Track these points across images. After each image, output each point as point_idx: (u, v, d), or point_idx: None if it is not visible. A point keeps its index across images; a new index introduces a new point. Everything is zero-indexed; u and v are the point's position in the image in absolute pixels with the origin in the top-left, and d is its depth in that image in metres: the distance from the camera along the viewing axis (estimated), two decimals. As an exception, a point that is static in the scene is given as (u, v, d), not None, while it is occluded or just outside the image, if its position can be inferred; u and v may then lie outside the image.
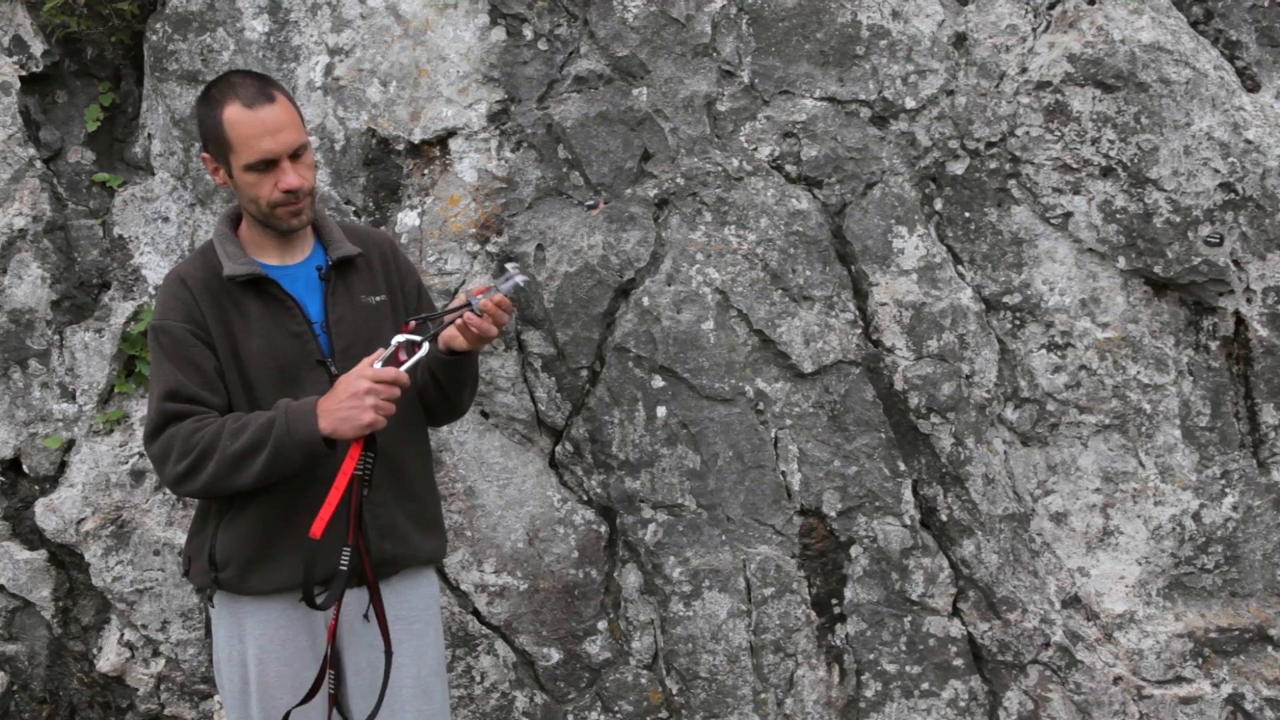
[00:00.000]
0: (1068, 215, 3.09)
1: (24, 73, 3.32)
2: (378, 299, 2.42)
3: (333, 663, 2.37)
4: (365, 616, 2.33)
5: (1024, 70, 3.11)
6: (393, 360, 2.20)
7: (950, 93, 3.12)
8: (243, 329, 2.32)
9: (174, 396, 2.25)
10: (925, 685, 3.09)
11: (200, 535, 2.38)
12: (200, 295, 2.31)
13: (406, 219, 3.16)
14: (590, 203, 3.15)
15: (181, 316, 2.30)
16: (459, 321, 2.24)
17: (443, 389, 2.45)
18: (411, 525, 2.39)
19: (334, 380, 2.27)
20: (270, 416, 2.20)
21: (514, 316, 3.15)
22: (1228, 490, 3.08)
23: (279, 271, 2.37)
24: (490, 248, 3.15)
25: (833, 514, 3.10)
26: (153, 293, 3.27)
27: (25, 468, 3.29)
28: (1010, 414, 3.13)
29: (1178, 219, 3.04)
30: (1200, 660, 3.06)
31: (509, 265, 2.29)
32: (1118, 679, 3.05)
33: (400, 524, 2.37)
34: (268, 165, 2.25)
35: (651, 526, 3.13)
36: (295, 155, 2.28)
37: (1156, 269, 3.06)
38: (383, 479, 2.33)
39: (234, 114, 2.25)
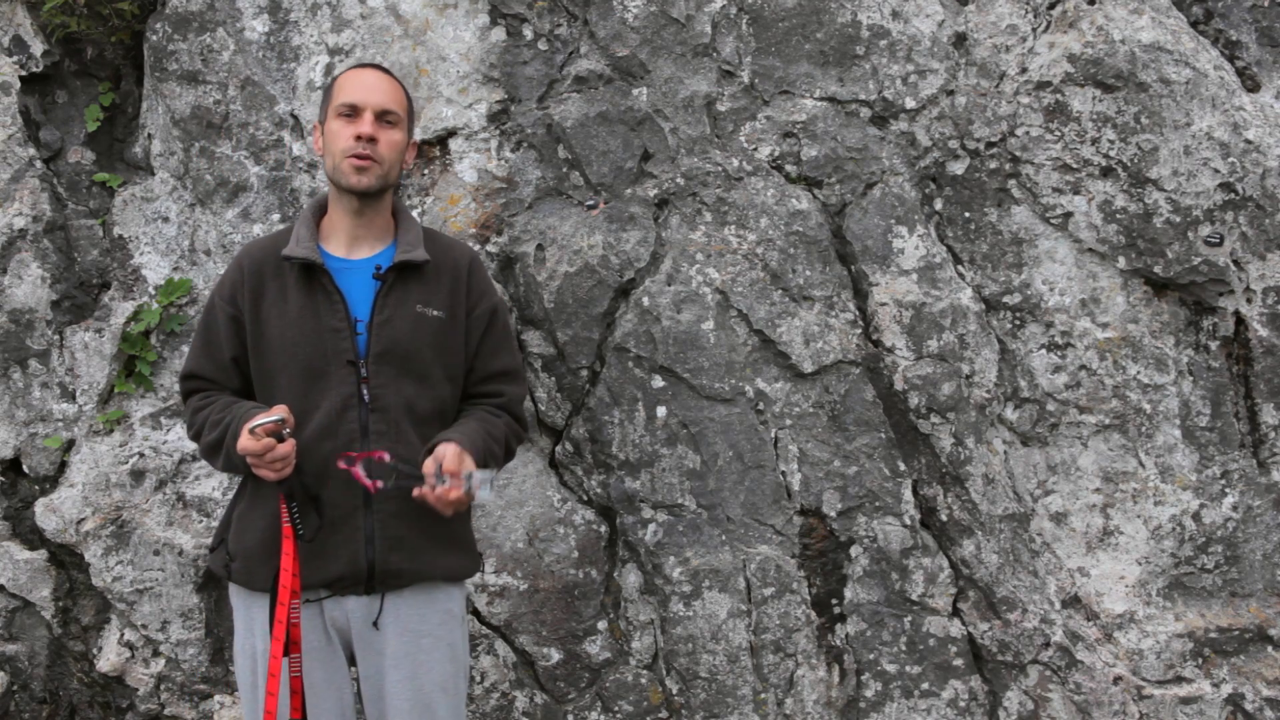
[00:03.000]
0: (1068, 215, 3.09)
1: (24, 73, 3.32)
2: (435, 313, 2.36)
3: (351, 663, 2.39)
4: (375, 624, 2.32)
5: (1024, 70, 3.11)
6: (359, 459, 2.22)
7: (950, 93, 3.12)
8: (279, 316, 2.32)
9: (191, 377, 2.45)
10: (925, 685, 3.09)
11: (225, 524, 2.42)
12: (250, 277, 2.36)
13: (406, 219, 3.16)
14: (590, 203, 3.15)
15: (227, 297, 2.39)
16: (421, 490, 2.19)
17: None
18: (427, 540, 2.33)
19: (361, 383, 2.28)
20: (229, 421, 2.27)
21: (514, 316, 3.15)
22: (1228, 490, 3.08)
23: (339, 263, 2.35)
24: (490, 248, 3.15)
25: (833, 514, 3.10)
26: (153, 293, 3.28)
27: (25, 468, 3.29)
28: (1010, 414, 3.13)
29: (1178, 219, 3.04)
30: (1200, 660, 3.05)
31: (488, 480, 2.21)
32: (1118, 679, 3.05)
33: (412, 538, 2.32)
34: (352, 111, 2.32)
35: (651, 526, 3.13)
36: (382, 117, 2.34)
37: (1156, 269, 3.06)
38: (399, 490, 2.28)
39: (351, 71, 2.42)
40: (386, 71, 2.43)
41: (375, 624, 2.32)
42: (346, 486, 2.26)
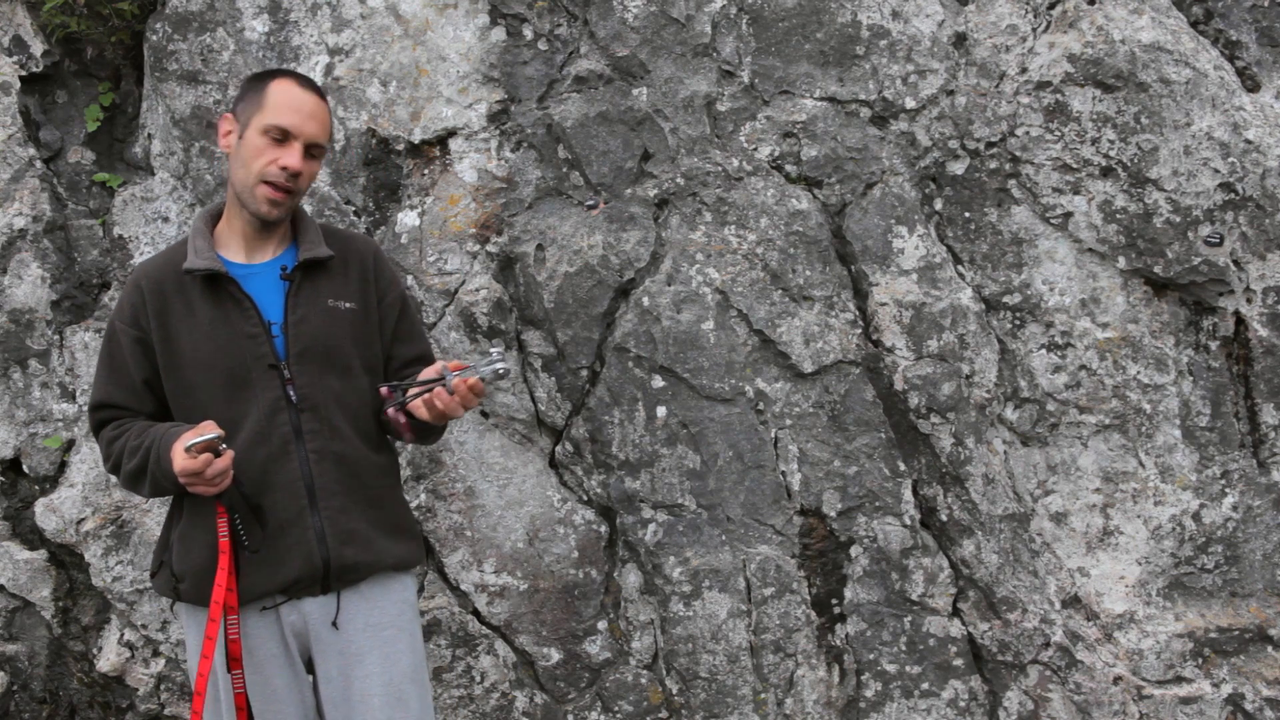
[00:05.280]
0: (1068, 215, 3.09)
1: (24, 73, 3.32)
2: (347, 305, 2.36)
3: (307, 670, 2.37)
4: (334, 624, 2.31)
5: (1024, 70, 3.11)
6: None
7: (950, 93, 3.12)
8: (190, 330, 2.29)
9: (101, 406, 2.37)
10: (925, 685, 3.09)
11: (164, 545, 2.38)
12: (151, 297, 2.31)
13: (406, 219, 3.16)
14: (590, 203, 3.15)
15: (128, 320, 2.33)
16: (428, 396, 2.20)
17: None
18: (376, 531, 2.34)
19: (286, 384, 2.28)
20: (149, 444, 2.23)
21: (514, 316, 3.15)
22: (1228, 490, 3.08)
23: (242, 270, 2.33)
24: (490, 248, 3.15)
25: (833, 514, 3.10)
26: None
27: (25, 468, 3.29)
28: (1010, 414, 3.13)
29: (1178, 219, 3.04)
30: (1200, 660, 3.06)
31: (493, 349, 2.23)
32: (1118, 679, 3.05)
33: (362, 530, 2.32)
34: (283, 136, 2.28)
35: (651, 526, 3.13)
36: (309, 151, 2.31)
37: (1156, 269, 3.06)
38: (341, 485, 2.30)
39: (285, 84, 2.32)
40: (319, 92, 2.37)
41: (334, 624, 2.31)
42: (288, 489, 2.26)
